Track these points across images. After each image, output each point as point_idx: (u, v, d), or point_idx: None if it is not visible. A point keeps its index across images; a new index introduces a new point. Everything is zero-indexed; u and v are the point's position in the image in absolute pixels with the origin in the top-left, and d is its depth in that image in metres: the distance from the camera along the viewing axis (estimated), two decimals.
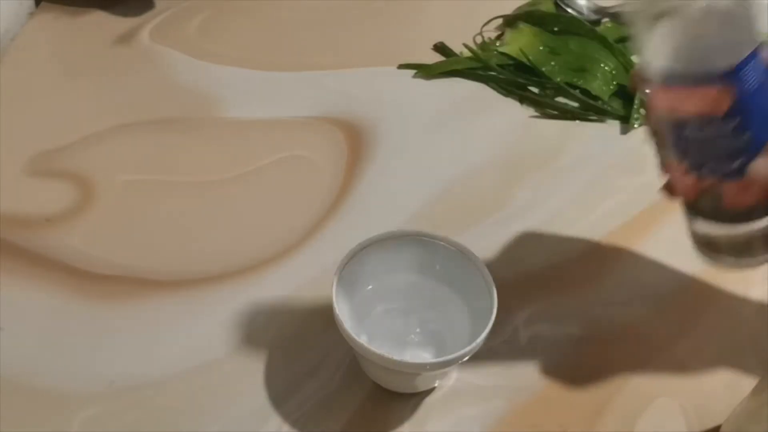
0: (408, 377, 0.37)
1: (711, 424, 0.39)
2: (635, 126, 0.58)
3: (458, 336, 0.39)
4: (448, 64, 0.63)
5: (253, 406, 0.39)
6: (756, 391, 0.35)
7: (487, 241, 0.48)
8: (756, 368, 0.42)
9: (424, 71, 0.62)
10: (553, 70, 0.62)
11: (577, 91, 0.60)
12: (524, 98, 0.61)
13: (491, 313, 0.36)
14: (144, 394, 0.39)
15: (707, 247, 0.35)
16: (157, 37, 0.64)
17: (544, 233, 0.49)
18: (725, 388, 0.41)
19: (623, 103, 0.60)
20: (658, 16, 0.31)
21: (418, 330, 0.41)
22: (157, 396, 0.39)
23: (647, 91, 0.34)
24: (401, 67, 0.63)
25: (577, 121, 0.59)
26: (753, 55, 0.30)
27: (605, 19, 0.69)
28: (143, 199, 0.50)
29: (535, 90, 0.61)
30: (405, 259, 0.41)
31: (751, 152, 0.31)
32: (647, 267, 0.47)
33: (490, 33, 0.67)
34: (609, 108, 0.59)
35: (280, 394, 0.39)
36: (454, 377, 0.41)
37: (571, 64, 0.62)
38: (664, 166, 0.36)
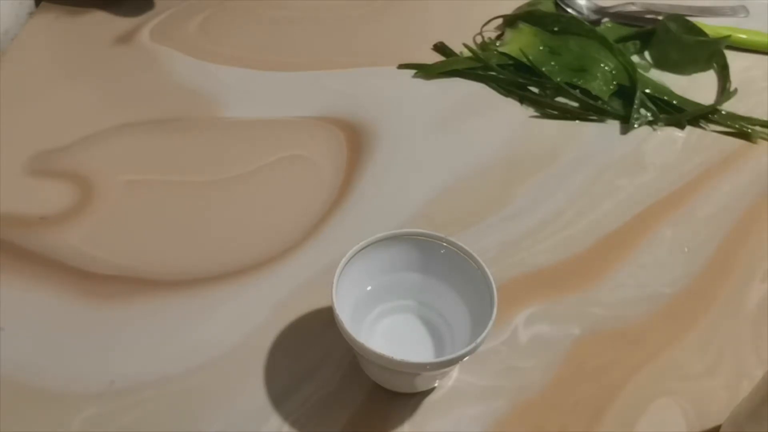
0: (408, 377, 0.37)
1: (711, 424, 0.39)
2: (635, 126, 0.58)
3: (458, 336, 0.39)
4: (448, 64, 0.63)
5: (253, 406, 0.39)
6: (756, 391, 0.35)
7: (487, 241, 0.48)
8: (756, 368, 0.42)
9: (424, 71, 0.62)
10: (553, 70, 0.62)
11: (577, 91, 0.60)
12: (524, 98, 0.61)
13: (491, 313, 0.36)
14: (144, 394, 0.39)
15: None
16: (157, 37, 0.64)
17: (544, 233, 0.49)
18: (725, 388, 0.41)
19: (623, 103, 0.60)
20: None
21: (418, 330, 0.41)
22: (157, 396, 0.39)
23: None
24: (401, 67, 0.63)
25: (577, 121, 0.59)
26: None
27: (605, 19, 0.69)
28: (143, 199, 0.50)
29: (535, 90, 0.61)
30: (405, 259, 0.41)
31: None
32: (647, 267, 0.47)
33: (490, 33, 0.67)
34: (609, 108, 0.59)
35: (280, 394, 0.39)
36: (454, 377, 0.41)
37: (571, 64, 0.62)
38: None
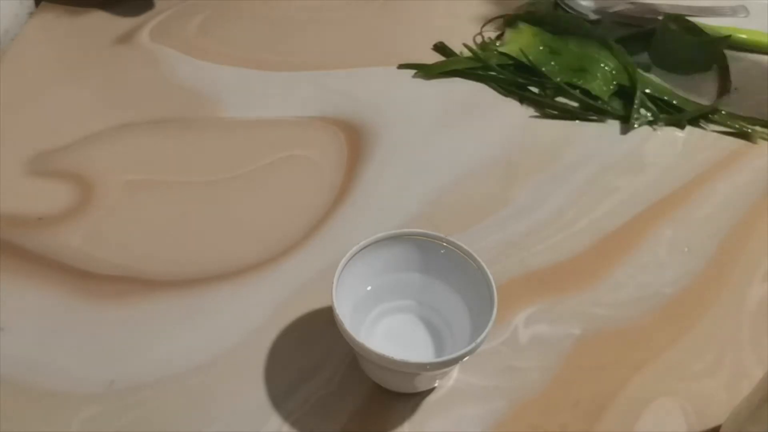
0: (408, 377, 0.37)
1: (711, 424, 0.39)
2: (635, 126, 0.58)
3: (458, 336, 0.39)
4: (448, 64, 0.63)
5: (253, 406, 0.39)
6: (756, 391, 0.35)
7: (487, 241, 0.48)
8: (756, 368, 0.42)
9: (424, 71, 0.62)
10: (553, 70, 0.62)
11: (577, 91, 0.60)
12: (524, 98, 0.61)
13: (491, 313, 0.36)
14: (144, 394, 0.39)
15: None
16: (157, 37, 0.64)
17: (544, 233, 0.49)
18: (725, 388, 0.41)
19: (623, 103, 0.60)
20: None
21: (418, 330, 0.41)
22: (157, 396, 0.39)
23: None
24: (401, 67, 0.63)
25: (577, 121, 0.59)
26: None
27: (605, 19, 0.69)
28: (143, 199, 0.50)
29: (535, 90, 0.61)
30: (405, 259, 0.41)
31: None
32: (647, 267, 0.47)
33: (490, 33, 0.67)
34: (609, 108, 0.59)
35: (280, 394, 0.39)
36: (454, 377, 0.41)
37: (571, 64, 0.62)
38: None
